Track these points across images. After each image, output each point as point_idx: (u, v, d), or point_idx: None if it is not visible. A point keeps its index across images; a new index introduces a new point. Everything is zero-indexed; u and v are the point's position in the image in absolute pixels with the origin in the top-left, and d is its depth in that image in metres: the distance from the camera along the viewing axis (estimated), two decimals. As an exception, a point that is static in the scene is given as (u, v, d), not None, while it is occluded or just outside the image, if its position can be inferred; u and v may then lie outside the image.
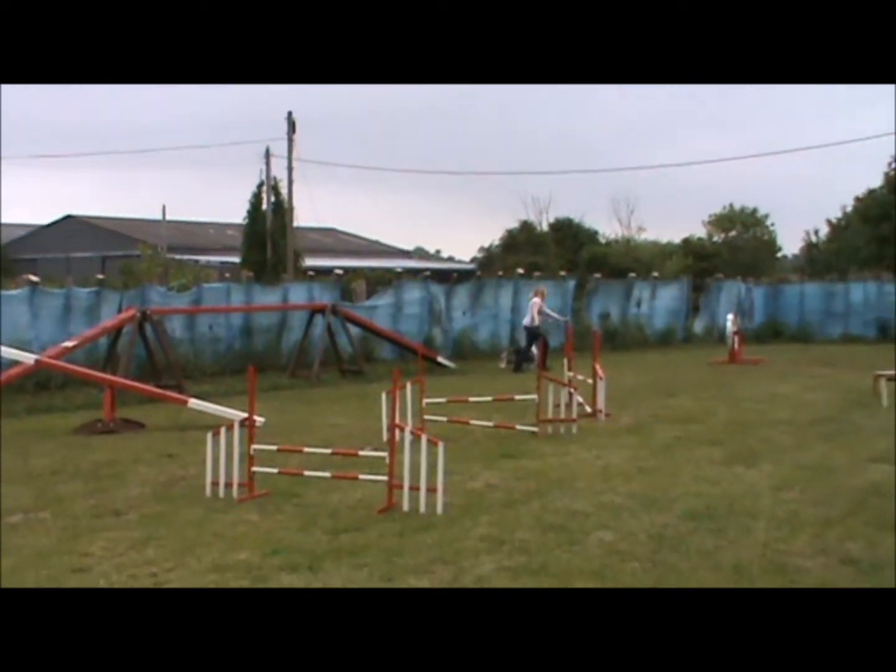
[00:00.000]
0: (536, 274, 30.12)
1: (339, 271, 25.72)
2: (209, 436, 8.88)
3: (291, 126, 34.45)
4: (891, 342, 30.09)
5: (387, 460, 8.26)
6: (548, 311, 23.23)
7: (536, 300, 22.83)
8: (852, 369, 20.24)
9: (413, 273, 29.64)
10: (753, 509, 7.98)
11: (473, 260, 59.90)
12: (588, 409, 13.59)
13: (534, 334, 22.48)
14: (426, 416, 11.74)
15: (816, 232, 58.06)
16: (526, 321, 22.60)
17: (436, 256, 72.19)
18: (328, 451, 9.55)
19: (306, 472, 8.89)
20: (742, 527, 7.41)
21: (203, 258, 43.34)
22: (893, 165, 47.90)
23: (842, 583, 5.96)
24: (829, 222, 56.49)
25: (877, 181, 49.18)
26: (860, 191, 51.80)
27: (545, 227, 54.76)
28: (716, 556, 6.63)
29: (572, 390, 13.10)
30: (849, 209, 53.25)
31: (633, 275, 32.59)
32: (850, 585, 5.90)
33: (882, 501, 8.16)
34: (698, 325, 32.36)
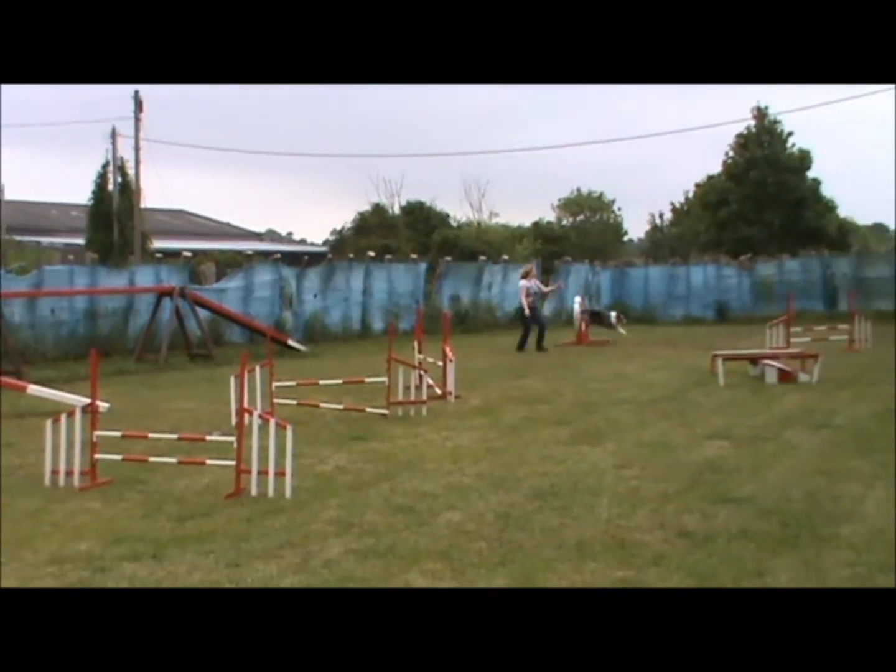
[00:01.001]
0: (388, 257, 30.18)
1: (188, 253, 25.32)
2: (48, 422, 8.63)
3: (138, 105, 33.63)
4: (728, 324, 31.23)
5: (235, 445, 8.21)
6: (537, 288, 23.50)
7: (523, 283, 23.11)
8: (692, 349, 20.94)
9: (264, 255, 29.34)
10: (597, 487, 8.18)
11: (325, 242, 59.53)
12: (438, 391, 13.71)
13: (525, 322, 22.73)
14: (276, 400, 11.68)
15: (661, 216, 59.74)
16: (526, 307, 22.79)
17: (287, 239, 71.44)
18: (174, 436, 9.42)
19: (151, 459, 8.74)
20: (585, 504, 7.60)
21: (46, 240, 41.91)
22: (731, 153, 49.53)
23: (677, 555, 6.18)
24: (672, 207, 58.15)
25: (716, 168, 50.81)
26: (701, 177, 53.45)
27: (397, 210, 54.79)
28: (560, 534, 6.78)
29: (422, 372, 13.22)
30: (691, 195, 54.91)
31: (483, 258, 32.94)
32: (685, 557, 6.12)
33: (716, 476, 8.48)
34: (547, 308, 32.88)
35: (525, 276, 23.47)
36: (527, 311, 22.82)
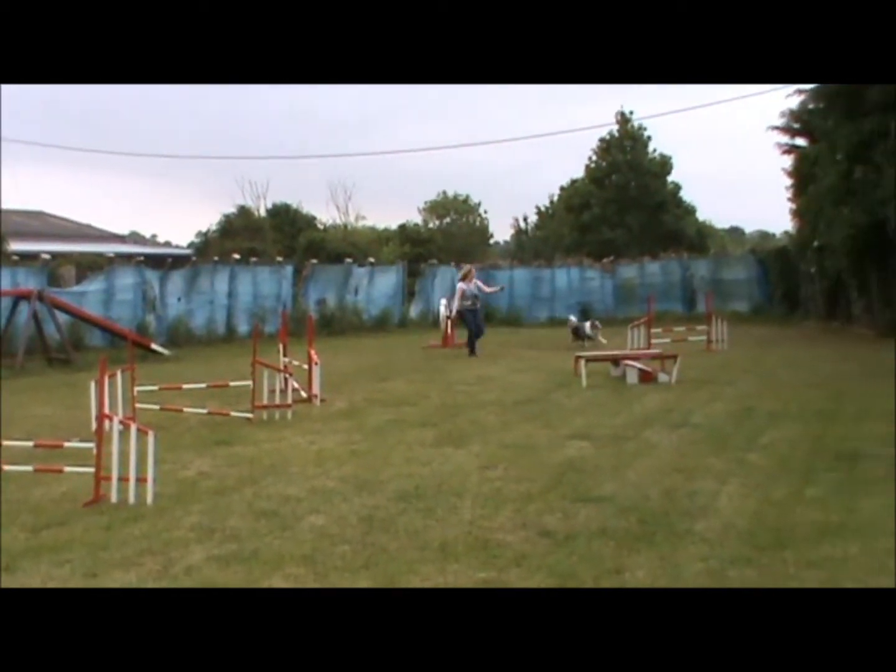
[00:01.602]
0: (253, 259, 29.87)
1: (47, 256, 24.61)
2: None
3: (-8, 102, 32.59)
4: (592, 325, 31.75)
5: (94, 451, 8.03)
6: (476, 290, 22.28)
7: (460, 285, 22.27)
8: (556, 351, 21.27)
9: (126, 258, 28.73)
10: (461, 488, 8.25)
11: (190, 245, 58.53)
12: (303, 395, 13.65)
13: (468, 324, 21.88)
14: (138, 405, 11.46)
15: (525, 219, 60.46)
16: (452, 310, 22.52)
17: (151, 241, 70.11)
18: (31, 443, 9.17)
19: (6, 467, 8.46)
20: (449, 505, 7.66)
21: None
22: (594, 158, 50.48)
23: (538, 554, 6.28)
24: (537, 210, 58.94)
25: (580, 172, 51.72)
26: (565, 181, 54.34)
27: (263, 213, 54.23)
28: (424, 536, 6.82)
29: (287, 376, 13.14)
30: (556, 198, 55.74)
31: (350, 260, 32.86)
32: (546, 556, 6.23)
33: (577, 476, 8.64)
34: (414, 310, 32.99)
35: (464, 278, 22.55)
36: (451, 314, 22.86)
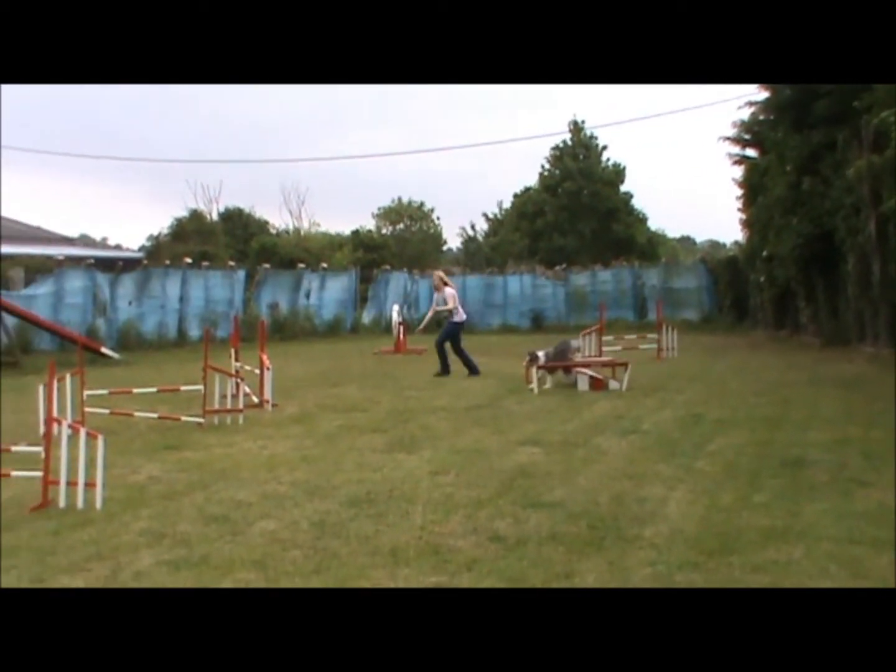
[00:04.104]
0: (205, 264, 29.76)
1: (-6, 258, 24.37)
2: None
3: (-61, 102, 32.22)
4: (543, 332, 31.97)
5: (42, 455, 7.97)
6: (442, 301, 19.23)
7: (451, 291, 19.02)
8: (508, 357, 21.35)
9: (76, 261, 28.49)
10: (412, 494, 8.27)
11: (141, 248, 58.11)
12: (255, 400, 13.61)
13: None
14: (87, 409, 11.38)
15: (473, 226, 60.74)
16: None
17: (102, 244, 69.43)
18: (-23, 447, 9.08)
19: (-47, 471, 8.40)
20: (401, 511, 7.67)
21: None
22: (547, 165, 50.79)
23: (489, 559, 6.31)
24: (485, 217, 59.17)
25: (533, 180, 52.01)
26: (518, 188, 54.62)
27: (215, 217, 54.01)
28: (375, 541, 6.83)
29: (239, 381, 13.10)
30: (506, 205, 56.01)
31: (302, 265, 32.81)
32: (497, 561, 6.26)
33: (527, 481, 8.69)
34: (366, 316, 33.02)
35: (442, 286, 19.15)
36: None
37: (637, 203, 50.80)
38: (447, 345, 18.47)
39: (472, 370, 18.22)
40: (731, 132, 31.23)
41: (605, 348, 20.61)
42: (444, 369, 18.32)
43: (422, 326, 21.30)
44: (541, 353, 15.99)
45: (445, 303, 18.90)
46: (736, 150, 31.85)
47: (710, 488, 8.30)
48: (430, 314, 20.23)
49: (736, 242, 42.13)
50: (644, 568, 6.08)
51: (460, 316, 18.86)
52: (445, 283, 19.11)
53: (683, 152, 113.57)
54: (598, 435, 11.19)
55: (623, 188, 50.45)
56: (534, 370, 15.79)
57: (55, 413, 8.62)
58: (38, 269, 26.43)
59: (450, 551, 6.55)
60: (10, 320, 20.73)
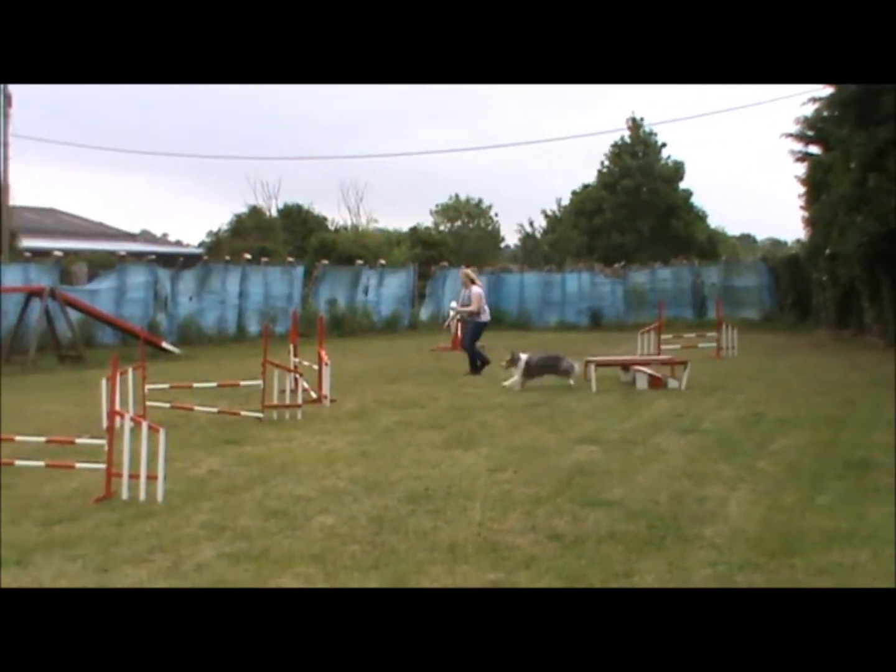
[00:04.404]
0: (264, 260, 29.97)
1: (59, 253, 24.74)
2: None
3: (6, 100, 32.75)
4: (601, 330, 31.81)
5: (105, 448, 8.06)
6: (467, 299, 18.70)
7: (477, 290, 18.42)
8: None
9: (138, 256, 28.87)
10: (470, 490, 8.25)
11: (201, 244, 58.71)
12: (313, 395, 13.68)
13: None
14: (148, 403, 11.50)
15: (531, 223, 60.49)
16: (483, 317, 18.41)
17: (162, 240, 70.23)
18: (42, 439, 9.20)
19: (18, 462, 8.52)
20: (459, 507, 7.66)
21: None
22: (606, 162, 50.53)
23: (547, 557, 6.29)
24: (544, 214, 58.93)
25: (592, 177, 51.77)
26: (577, 185, 54.37)
27: (274, 213, 54.42)
28: (433, 537, 6.83)
29: (297, 376, 13.17)
30: (565, 202, 55.76)
31: (360, 262, 32.92)
32: (555, 559, 6.24)
33: (586, 479, 8.64)
34: (424, 313, 33.06)
35: (471, 284, 18.58)
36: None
37: (696, 200, 50.45)
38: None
39: (474, 370, 18.02)
40: (794, 129, 30.82)
41: (663, 347, 20.46)
42: (481, 363, 18.14)
43: (446, 324, 21.44)
44: (524, 356, 15.82)
45: (470, 300, 18.44)
46: (799, 146, 31.39)
47: (771, 489, 8.20)
48: (452, 313, 19.94)
49: (797, 240, 41.55)
50: (704, 568, 6.02)
51: (486, 316, 18.51)
52: (473, 282, 18.68)
53: (744, 149, 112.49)
54: (657, 433, 11.10)
55: (682, 185, 50.10)
56: (592, 368, 15.68)
57: (118, 406, 8.72)
58: (100, 264, 26.78)
59: (508, 549, 6.53)
60: (73, 315, 21.02)
